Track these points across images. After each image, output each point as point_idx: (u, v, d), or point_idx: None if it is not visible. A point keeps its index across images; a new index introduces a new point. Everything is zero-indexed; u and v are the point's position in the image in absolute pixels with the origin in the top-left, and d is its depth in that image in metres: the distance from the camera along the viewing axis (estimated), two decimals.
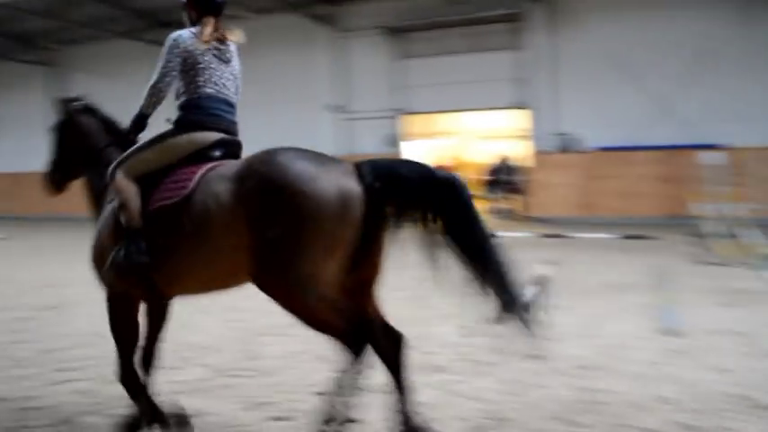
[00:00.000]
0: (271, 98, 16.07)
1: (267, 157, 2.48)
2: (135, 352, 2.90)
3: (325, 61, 15.66)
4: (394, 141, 14.96)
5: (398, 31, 14.63)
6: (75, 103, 3.17)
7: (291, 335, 4.64)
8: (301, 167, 2.40)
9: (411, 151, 15.04)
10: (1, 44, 19.21)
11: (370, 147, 15.21)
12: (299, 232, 2.34)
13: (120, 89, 18.39)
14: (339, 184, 2.39)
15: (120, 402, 3.31)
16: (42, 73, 19.89)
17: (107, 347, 4.35)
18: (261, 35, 16.32)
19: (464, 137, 18.04)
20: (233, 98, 2.94)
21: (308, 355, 4.25)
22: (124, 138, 2.97)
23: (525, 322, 2.40)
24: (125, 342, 2.88)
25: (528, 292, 2.80)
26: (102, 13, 16.05)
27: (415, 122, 15.31)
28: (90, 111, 3.15)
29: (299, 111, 15.90)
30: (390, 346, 2.58)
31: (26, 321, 5.42)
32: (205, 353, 4.45)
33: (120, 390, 3.00)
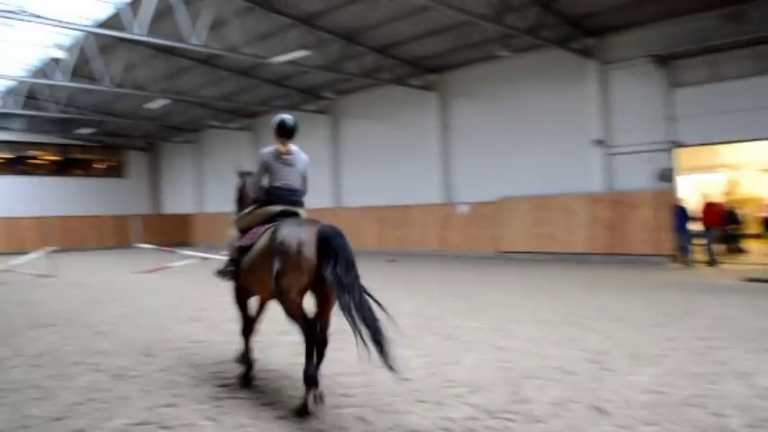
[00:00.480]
0: (535, 135, 16.83)
1: (277, 227, 4.50)
2: (248, 318, 5.26)
3: (589, 95, 15.66)
4: (668, 176, 14.28)
5: (667, 59, 14.04)
6: (243, 171, 5.63)
7: (560, 380, 4.77)
8: (288, 233, 4.38)
9: (682, 186, 14.21)
10: (291, 96, 22.68)
11: (638, 182, 14.81)
12: (284, 266, 4.28)
13: (388, 130, 20.71)
14: (302, 239, 4.36)
15: None
16: (323, 120, 22.96)
17: (377, 376, 5.07)
18: (521, 73, 17.09)
19: (741, 170, 16.56)
20: (296, 186, 4.96)
21: (580, 403, 4.30)
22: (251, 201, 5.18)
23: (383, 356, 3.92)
24: (240, 311, 5.24)
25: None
26: (371, 63, 18.12)
27: (685, 156, 14.45)
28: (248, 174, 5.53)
29: (564, 147, 16.20)
30: (319, 342, 4.41)
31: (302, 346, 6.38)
32: (472, 392, 4.60)
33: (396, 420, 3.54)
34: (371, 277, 12.55)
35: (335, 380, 5.04)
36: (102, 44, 18.26)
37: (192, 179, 30.39)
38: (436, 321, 7.48)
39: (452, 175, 19.08)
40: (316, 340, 4.31)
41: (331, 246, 4.22)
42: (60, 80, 18.55)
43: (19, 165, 29.77)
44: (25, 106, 23.89)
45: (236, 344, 6.42)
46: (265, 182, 4.95)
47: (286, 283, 4.26)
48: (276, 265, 4.30)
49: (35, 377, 5.31)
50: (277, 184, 4.89)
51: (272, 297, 4.53)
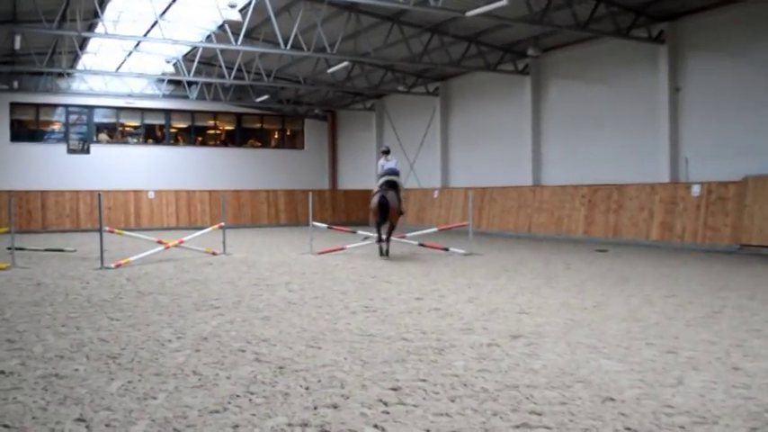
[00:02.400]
0: None
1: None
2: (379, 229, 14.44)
3: None
4: None
5: None
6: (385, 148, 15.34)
7: None
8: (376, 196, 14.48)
9: None
10: (487, 54, 22.41)
11: None
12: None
13: (602, 93, 19.74)
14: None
15: None
16: (523, 83, 22.46)
17: (577, 392, 4.80)
18: None
19: None
20: (394, 168, 14.93)
21: None
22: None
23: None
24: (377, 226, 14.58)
25: None
26: (584, 13, 17.27)
27: None
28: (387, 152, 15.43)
29: None
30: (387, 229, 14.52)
31: (491, 348, 6.16)
32: (697, 423, 4.23)
33: None
34: (575, 272, 12.09)
35: (525, 392, 4.82)
36: (279, 3, 19.26)
37: (374, 151, 31.37)
38: (654, 330, 6.96)
39: (682, 147, 17.73)
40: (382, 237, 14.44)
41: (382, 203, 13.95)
42: (234, 45, 19.92)
43: (193, 135, 32.77)
44: (199, 73, 26.11)
45: (413, 341, 6.43)
46: (382, 168, 14.55)
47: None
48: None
49: (197, 363, 5.68)
50: (382, 171, 14.69)
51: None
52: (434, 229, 17.60)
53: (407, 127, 29.15)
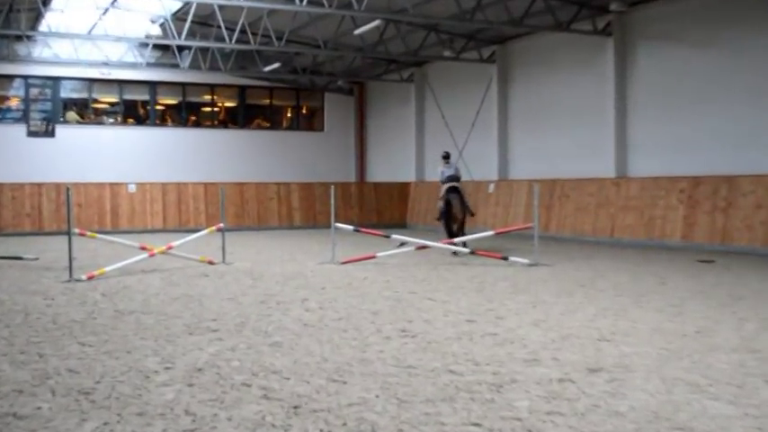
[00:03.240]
0: None
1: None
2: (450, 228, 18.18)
3: None
4: None
5: None
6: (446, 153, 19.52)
7: None
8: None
9: None
10: (557, 10, 22.28)
11: None
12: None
13: (710, 59, 19.45)
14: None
15: None
16: (605, 45, 22.31)
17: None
18: None
19: None
20: (454, 174, 18.64)
21: None
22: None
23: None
24: (446, 227, 18.40)
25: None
26: None
27: None
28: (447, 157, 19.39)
29: None
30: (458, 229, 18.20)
31: (563, 385, 6.10)
32: None
33: None
34: (671, 288, 11.97)
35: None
36: None
37: (413, 133, 31.40)
38: None
39: None
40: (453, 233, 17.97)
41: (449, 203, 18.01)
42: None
43: (184, 113, 33.14)
44: (192, 36, 26.21)
45: (463, 375, 6.42)
46: (443, 175, 18.54)
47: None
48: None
49: (189, 400, 5.72)
50: (445, 175, 18.44)
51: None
52: (489, 233, 17.58)
53: (455, 103, 29.17)
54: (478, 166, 27.60)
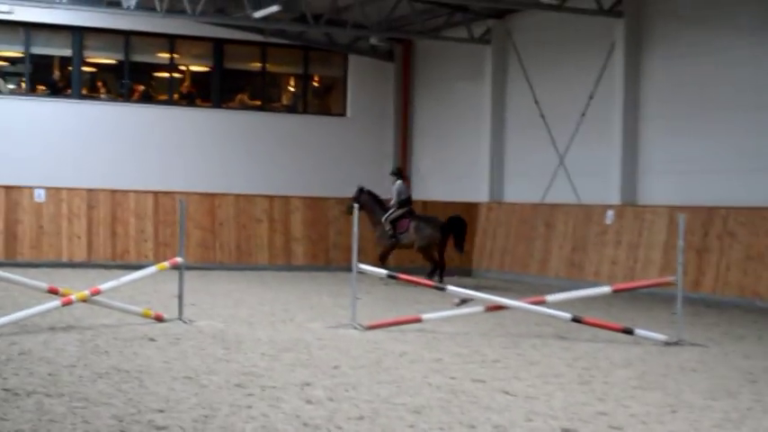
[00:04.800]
0: None
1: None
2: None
3: None
4: None
5: None
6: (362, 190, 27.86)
7: None
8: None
9: None
10: None
11: None
12: None
13: None
14: None
15: None
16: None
17: None
18: None
19: None
20: (405, 197, 28.03)
21: None
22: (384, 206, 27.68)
23: None
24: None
25: None
26: None
27: None
28: (367, 193, 27.83)
29: None
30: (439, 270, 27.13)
31: None
32: None
33: None
34: None
35: None
36: None
37: (487, 126, 31.33)
38: None
39: None
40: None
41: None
42: None
43: (128, 80, 33.26)
44: None
45: None
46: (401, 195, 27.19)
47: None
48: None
49: None
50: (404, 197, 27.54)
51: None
52: (605, 290, 17.43)
53: (556, 80, 29.09)
54: (589, 182, 27.45)
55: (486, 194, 31.20)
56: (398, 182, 25.78)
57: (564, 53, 28.69)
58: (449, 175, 33.31)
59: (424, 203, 31.45)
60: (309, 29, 32.28)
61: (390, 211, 25.67)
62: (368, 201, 26.58)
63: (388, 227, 24.65)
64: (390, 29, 32.92)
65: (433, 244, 26.06)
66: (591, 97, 27.59)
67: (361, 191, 26.87)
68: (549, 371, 12.40)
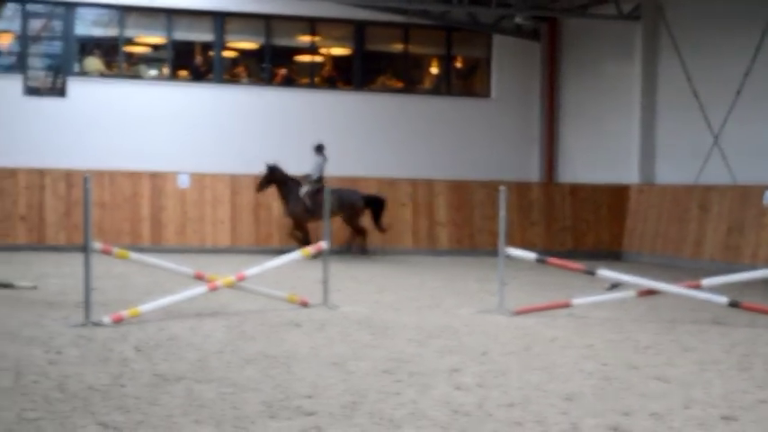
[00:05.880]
0: None
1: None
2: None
3: None
4: None
5: None
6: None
7: None
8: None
9: None
10: None
11: None
12: None
13: None
14: None
15: None
16: None
17: None
18: None
19: None
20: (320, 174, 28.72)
21: None
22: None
23: None
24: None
25: None
26: None
27: None
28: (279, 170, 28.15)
29: None
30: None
31: None
32: None
33: None
34: None
35: None
36: None
37: (636, 106, 31.04)
38: None
39: None
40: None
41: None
42: None
43: (276, 65, 33.46)
44: None
45: None
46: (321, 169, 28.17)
47: None
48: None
49: None
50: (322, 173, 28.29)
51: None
52: (765, 273, 17.13)
53: (709, 54, 28.64)
54: (745, 161, 26.99)
55: (636, 176, 30.80)
56: (320, 157, 27.50)
57: (717, 28, 28.26)
58: (597, 157, 32.96)
59: (573, 187, 31.37)
60: (452, 8, 32.26)
61: (309, 187, 27.00)
62: (281, 177, 27.52)
63: (308, 201, 26.23)
64: (535, 7, 32.72)
65: (357, 214, 27.36)
66: (746, 74, 27.15)
67: (272, 169, 27.61)
68: (705, 357, 12.29)
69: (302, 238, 26.23)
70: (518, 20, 34.12)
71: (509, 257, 16.40)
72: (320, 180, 26.37)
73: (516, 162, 34.69)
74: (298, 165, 29.97)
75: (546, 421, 8.56)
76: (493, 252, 18.22)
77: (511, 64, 35.29)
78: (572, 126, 34.75)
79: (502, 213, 16.53)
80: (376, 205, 27.75)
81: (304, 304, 16.19)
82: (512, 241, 17.41)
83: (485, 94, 35.33)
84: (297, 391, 9.56)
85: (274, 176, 27.42)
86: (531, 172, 34.93)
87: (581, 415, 8.84)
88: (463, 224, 29.72)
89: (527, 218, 29.70)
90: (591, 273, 16.93)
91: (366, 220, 27.76)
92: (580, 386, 10.19)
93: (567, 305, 15.91)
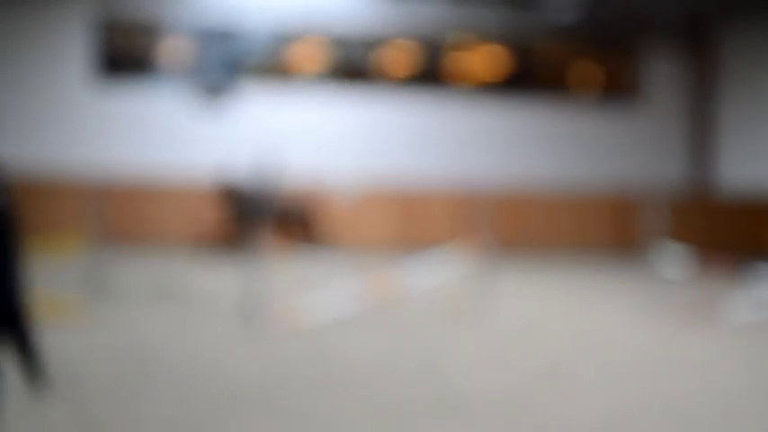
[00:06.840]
0: None
1: None
2: None
3: None
4: None
5: None
6: None
7: None
8: None
9: None
10: None
11: None
12: None
13: None
14: None
15: None
16: None
17: None
18: None
19: None
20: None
21: None
22: None
23: None
24: None
25: None
26: None
27: None
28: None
29: None
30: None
31: None
32: None
33: None
34: None
35: None
36: None
37: None
38: None
39: None
40: None
41: None
42: None
43: (427, 70, 33.47)
44: None
45: None
46: None
47: None
48: None
49: None
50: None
51: None
52: None
53: None
54: None
55: None
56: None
57: None
58: (759, 162, 32.98)
59: (731, 195, 31.40)
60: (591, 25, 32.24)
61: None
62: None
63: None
64: (680, 18, 32.77)
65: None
66: None
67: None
68: None
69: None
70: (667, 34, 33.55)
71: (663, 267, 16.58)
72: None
73: (664, 168, 34.30)
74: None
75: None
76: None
77: (664, 79, 34.87)
78: (728, 130, 34.06)
79: (656, 224, 16.68)
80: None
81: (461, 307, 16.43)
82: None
83: (634, 97, 34.83)
84: (456, 392, 9.77)
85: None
86: (681, 182, 34.12)
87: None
88: (621, 226, 30.17)
89: (688, 224, 29.82)
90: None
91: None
92: (739, 396, 10.20)
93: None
